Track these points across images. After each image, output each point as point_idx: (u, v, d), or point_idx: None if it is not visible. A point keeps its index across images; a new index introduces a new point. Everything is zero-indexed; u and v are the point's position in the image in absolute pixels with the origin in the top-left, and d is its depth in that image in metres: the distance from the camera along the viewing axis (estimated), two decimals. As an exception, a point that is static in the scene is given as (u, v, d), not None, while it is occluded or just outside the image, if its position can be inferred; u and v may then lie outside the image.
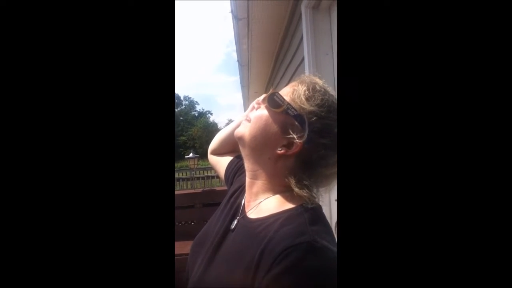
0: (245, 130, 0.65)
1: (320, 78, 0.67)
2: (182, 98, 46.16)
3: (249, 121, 0.66)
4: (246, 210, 0.66)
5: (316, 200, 0.64)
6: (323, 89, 0.63)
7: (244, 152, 0.68)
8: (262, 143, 0.62)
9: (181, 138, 36.69)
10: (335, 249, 0.51)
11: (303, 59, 1.68)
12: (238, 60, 3.71)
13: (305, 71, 1.56)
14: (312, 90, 0.62)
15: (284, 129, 0.61)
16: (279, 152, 0.61)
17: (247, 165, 0.68)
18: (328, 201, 1.37)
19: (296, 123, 0.60)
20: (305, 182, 0.62)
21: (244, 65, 3.76)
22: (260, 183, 0.65)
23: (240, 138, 0.66)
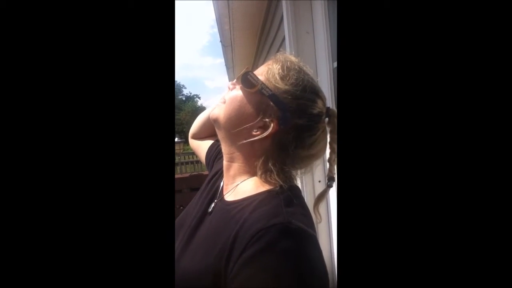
0: (220, 112, 0.64)
1: (295, 56, 0.65)
2: (182, 86, 45.54)
3: (224, 102, 0.64)
4: (224, 193, 0.65)
5: (294, 181, 0.64)
6: (298, 68, 0.61)
7: (220, 135, 0.67)
8: (237, 124, 0.60)
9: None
10: (311, 231, 0.51)
11: (284, 38, 1.64)
12: (221, 41, 3.62)
13: (287, 51, 1.53)
14: (287, 68, 0.60)
15: (259, 109, 0.59)
16: (254, 133, 0.59)
17: (224, 148, 0.67)
18: (311, 183, 1.38)
19: (271, 103, 0.59)
20: (282, 164, 0.61)
21: (228, 46, 3.67)
22: (237, 166, 0.64)
23: (215, 120, 0.65)
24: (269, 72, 0.60)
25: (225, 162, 0.67)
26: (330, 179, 0.64)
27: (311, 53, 1.43)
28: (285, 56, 0.64)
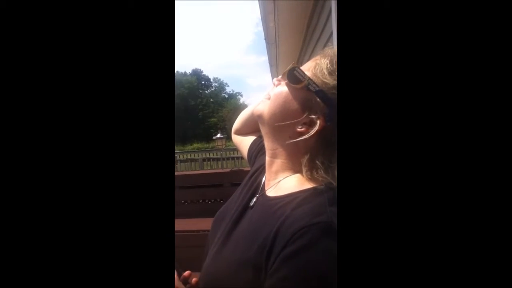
0: (264, 108, 0.63)
1: None
2: (212, 80, 46.39)
3: (269, 98, 0.64)
4: (266, 188, 0.65)
5: (336, 179, 0.63)
6: None
7: (263, 131, 0.67)
8: (282, 121, 0.60)
9: (212, 119, 37.32)
10: None
11: (331, 34, 1.61)
12: (265, 39, 3.63)
13: (334, 46, 1.50)
14: (336, 63, 0.58)
15: (305, 106, 0.58)
16: (299, 130, 0.58)
17: (267, 144, 0.67)
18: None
19: (318, 99, 0.57)
20: (328, 162, 0.59)
21: (272, 44, 3.68)
22: (280, 162, 0.64)
23: (260, 116, 0.65)
24: (317, 67, 0.59)
25: (267, 158, 0.67)
26: None
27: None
28: (334, 51, 0.61)
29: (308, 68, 0.60)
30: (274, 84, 0.66)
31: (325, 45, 1.98)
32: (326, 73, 0.57)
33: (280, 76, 0.65)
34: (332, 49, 0.62)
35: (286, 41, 3.47)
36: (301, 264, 0.45)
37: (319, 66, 0.59)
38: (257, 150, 0.86)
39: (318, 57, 0.62)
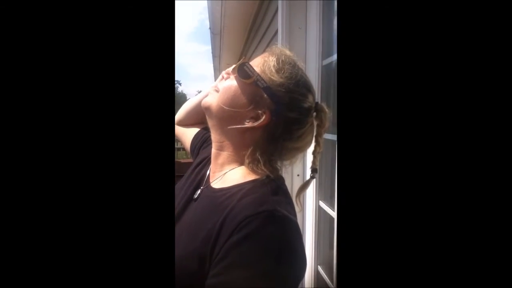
0: (213, 100, 0.64)
1: (290, 50, 0.67)
2: None
3: (217, 91, 0.65)
4: (211, 180, 0.66)
5: (280, 173, 0.66)
6: (292, 62, 0.63)
7: (211, 123, 0.67)
8: (230, 114, 0.61)
9: None
10: (294, 218, 0.54)
11: (276, 32, 1.65)
12: (210, 28, 3.57)
13: (279, 43, 1.55)
14: (282, 62, 0.62)
15: (253, 100, 0.60)
16: (246, 124, 0.61)
17: (214, 136, 0.67)
18: (291, 175, 1.42)
19: (265, 95, 0.60)
20: (269, 155, 0.63)
21: (217, 34, 3.62)
22: (226, 154, 0.65)
23: (208, 108, 0.65)
24: (265, 64, 0.61)
25: (213, 150, 0.68)
26: (314, 171, 0.67)
27: (301, 49, 1.45)
28: (281, 50, 0.65)
29: (256, 64, 0.62)
30: (223, 77, 0.67)
31: (270, 40, 2.03)
32: (273, 70, 0.61)
33: (230, 69, 0.66)
34: (279, 48, 0.66)
35: (231, 33, 3.45)
36: (246, 251, 0.47)
37: (267, 63, 0.62)
38: (201, 141, 0.86)
39: (266, 54, 0.65)
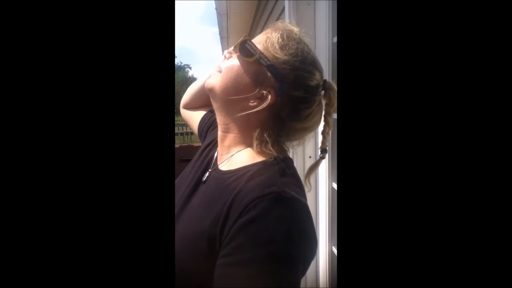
0: (215, 81, 0.62)
1: (295, 26, 0.62)
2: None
3: (220, 71, 0.62)
4: (218, 163, 0.65)
5: (288, 153, 0.64)
6: (298, 38, 0.59)
7: (215, 105, 0.65)
8: (234, 95, 0.59)
9: None
10: (302, 199, 0.53)
11: (283, 9, 1.59)
12: (216, 8, 3.47)
13: (286, 20, 1.49)
14: (287, 38, 0.58)
15: (257, 80, 0.58)
16: (251, 104, 0.58)
17: (219, 118, 0.66)
18: (302, 157, 1.40)
19: (269, 74, 0.57)
20: (277, 136, 0.61)
21: (223, 14, 3.53)
22: (232, 136, 0.63)
23: (211, 90, 0.63)
24: (268, 41, 0.58)
25: (220, 133, 0.66)
26: (323, 151, 0.65)
27: (310, 26, 1.39)
28: (285, 25, 0.61)
29: (259, 42, 0.59)
30: (225, 57, 0.64)
31: (278, 17, 1.96)
32: (277, 47, 0.57)
33: (231, 48, 0.63)
34: (283, 23, 0.62)
35: (238, 13, 3.36)
36: (254, 232, 0.46)
37: (270, 40, 0.58)
38: (208, 124, 0.85)
39: (269, 30, 0.61)
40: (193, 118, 0.92)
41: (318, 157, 0.67)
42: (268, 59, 0.57)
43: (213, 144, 0.74)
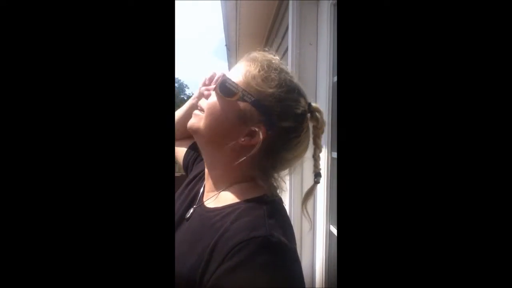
0: (199, 123, 0.59)
1: (272, 54, 0.60)
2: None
3: (201, 110, 0.60)
4: (204, 199, 0.62)
5: (278, 190, 0.62)
6: (277, 67, 0.57)
7: (200, 145, 0.63)
8: (221, 135, 0.57)
9: None
10: (291, 244, 0.49)
11: (287, 48, 1.63)
12: (226, 45, 3.62)
13: (288, 59, 1.53)
14: (267, 68, 0.56)
15: (243, 118, 0.56)
16: (242, 142, 0.56)
17: (205, 156, 0.63)
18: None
19: (255, 109, 0.55)
20: (267, 169, 0.59)
21: (233, 51, 3.67)
22: (220, 173, 0.61)
23: (196, 132, 0.60)
24: (248, 74, 0.56)
25: (206, 170, 0.64)
26: (317, 175, 0.62)
27: (312, 65, 1.41)
28: (262, 55, 0.59)
29: (239, 75, 0.56)
30: (203, 95, 0.62)
31: (282, 56, 2.02)
32: (259, 80, 0.55)
33: (207, 79, 0.62)
34: (261, 53, 0.60)
35: (246, 50, 3.48)
36: (238, 280, 0.43)
37: (250, 73, 0.56)
38: (194, 157, 0.82)
39: (247, 62, 0.58)
40: (177, 149, 0.87)
41: (305, 184, 0.65)
42: (251, 95, 0.55)
43: (199, 178, 0.71)
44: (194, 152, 0.83)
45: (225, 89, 0.56)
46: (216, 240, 0.48)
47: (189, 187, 0.70)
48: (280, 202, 0.59)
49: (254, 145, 0.56)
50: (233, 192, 0.58)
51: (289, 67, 1.55)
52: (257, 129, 0.55)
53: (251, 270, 0.43)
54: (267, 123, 0.56)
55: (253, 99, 0.55)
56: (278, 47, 2.20)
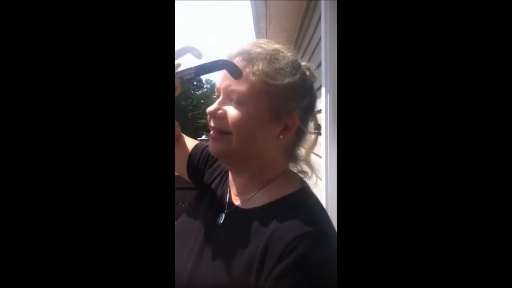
0: (229, 145, 0.53)
1: (272, 41, 0.57)
2: (204, 82, 46.80)
3: (221, 132, 0.53)
4: (235, 202, 0.59)
5: (306, 174, 0.61)
6: (281, 52, 0.54)
7: (230, 164, 0.59)
8: (258, 144, 0.54)
9: (201, 121, 37.08)
10: (335, 232, 0.49)
11: (320, 38, 1.59)
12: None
13: (321, 51, 1.49)
14: (274, 60, 0.53)
15: (275, 115, 0.53)
16: (280, 139, 0.55)
17: (236, 167, 0.59)
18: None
19: (280, 103, 0.53)
20: (298, 157, 0.59)
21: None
22: (252, 175, 0.58)
23: (226, 155, 0.55)
24: (259, 73, 0.51)
25: (234, 175, 0.61)
26: (318, 127, 0.63)
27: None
28: (268, 45, 0.55)
29: (251, 75, 0.52)
30: (214, 113, 0.54)
31: (315, 49, 1.97)
32: (273, 74, 0.52)
33: (219, 103, 0.54)
34: (257, 44, 0.55)
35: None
36: (298, 278, 0.43)
37: (262, 70, 0.51)
38: (203, 161, 0.72)
39: (252, 60, 0.52)
40: (177, 158, 0.72)
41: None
42: (271, 92, 0.52)
43: (218, 182, 0.66)
44: (201, 156, 0.73)
45: (250, 99, 0.52)
46: (266, 241, 0.47)
47: (209, 193, 0.65)
48: (313, 192, 0.58)
49: (289, 136, 0.55)
50: (268, 192, 0.56)
51: (322, 60, 1.51)
52: (291, 121, 0.54)
53: (309, 267, 0.44)
54: (294, 111, 0.54)
55: (274, 94, 0.52)
56: (310, 39, 2.16)
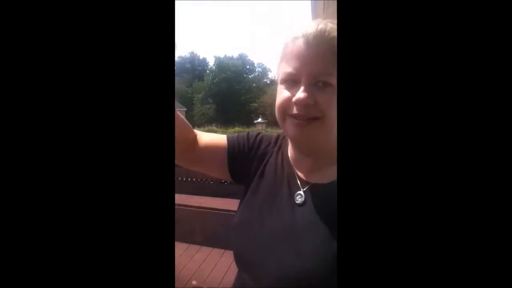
0: (318, 131, 0.53)
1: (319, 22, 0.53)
2: (255, 65, 45.55)
3: (311, 118, 0.52)
4: (307, 179, 0.59)
5: None
6: (328, 30, 0.51)
7: (314, 149, 0.57)
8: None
9: (253, 105, 36.33)
10: None
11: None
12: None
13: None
14: (329, 39, 0.50)
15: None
16: None
17: (316, 152, 0.58)
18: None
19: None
20: None
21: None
22: (329, 153, 0.56)
23: (315, 141, 0.55)
24: (328, 56, 0.49)
25: (301, 154, 0.60)
26: None
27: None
28: (327, 29, 0.51)
29: (328, 58, 0.50)
30: (306, 101, 0.51)
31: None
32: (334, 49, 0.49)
33: (305, 90, 0.51)
34: (322, 26, 0.52)
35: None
36: None
37: (327, 57, 0.50)
38: (248, 149, 0.68)
39: (326, 47, 0.50)
40: (212, 155, 0.68)
41: None
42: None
43: (275, 167, 0.64)
44: (249, 144, 0.69)
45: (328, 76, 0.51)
46: None
47: (267, 179, 0.64)
48: None
49: None
50: None
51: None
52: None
53: None
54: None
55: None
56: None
